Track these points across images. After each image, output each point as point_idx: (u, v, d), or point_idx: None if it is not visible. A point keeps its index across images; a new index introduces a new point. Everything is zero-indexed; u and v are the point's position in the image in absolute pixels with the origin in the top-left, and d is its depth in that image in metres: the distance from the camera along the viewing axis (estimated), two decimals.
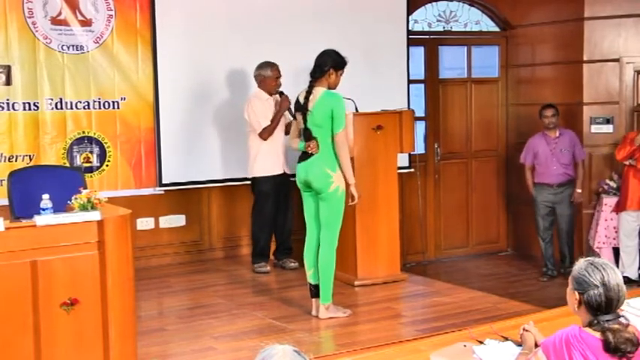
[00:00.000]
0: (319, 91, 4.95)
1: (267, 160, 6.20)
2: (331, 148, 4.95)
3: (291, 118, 6.20)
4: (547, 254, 7.26)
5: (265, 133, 6.13)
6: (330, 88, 5.00)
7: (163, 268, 6.48)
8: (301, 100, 5.02)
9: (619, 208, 6.84)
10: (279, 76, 6.24)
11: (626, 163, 6.74)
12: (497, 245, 8.39)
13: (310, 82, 5.00)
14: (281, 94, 6.22)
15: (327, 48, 5.08)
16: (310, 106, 4.94)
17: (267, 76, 6.21)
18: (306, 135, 4.97)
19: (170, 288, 5.99)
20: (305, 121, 4.97)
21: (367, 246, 5.94)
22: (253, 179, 6.29)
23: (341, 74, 5.06)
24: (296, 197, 6.03)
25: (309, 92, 4.97)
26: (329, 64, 4.97)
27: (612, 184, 7.21)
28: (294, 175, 6.13)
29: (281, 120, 6.23)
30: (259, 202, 6.31)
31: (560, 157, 7.05)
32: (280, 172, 6.27)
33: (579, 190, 7.09)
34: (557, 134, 7.08)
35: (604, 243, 7.06)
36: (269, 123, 6.14)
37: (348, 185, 5.04)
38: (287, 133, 6.25)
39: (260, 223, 6.33)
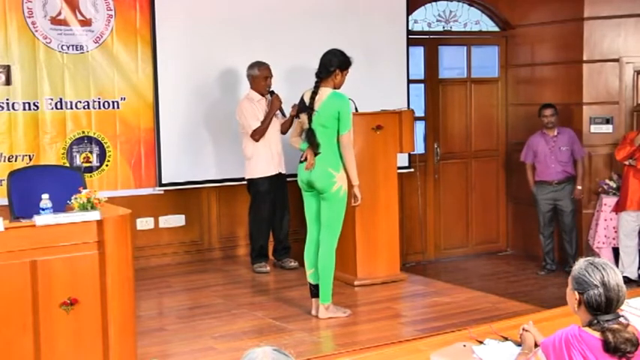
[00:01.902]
0: (326, 91, 4.93)
1: (263, 160, 6.17)
2: (336, 149, 4.93)
3: (286, 117, 6.21)
4: (547, 249, 7.35)
5: (256, 135, 6.09)
6: (335, 87, 4.97)
7: (163, 268, 6.48)
8: (306, 100, 4.99)
9: (619, 208, 6.85)
10: (268, 75, 6.18)
11: (626, 163, 6.75)
12: (497, 245, 8.40)
13: (316, 82, 4.98)
14: (271, 93, 6.18)
15: (329, 48, 5.06)
16: (316, 106, 4.91)
17: (255, 75, 6.16)
18: (309, 135, 4.95)
19: (170, 288, 5.98)
20: (310, 120, 4.95)
21: (367, 246, 5.94)
22: (250, 180, 6.28)
23: (346, 74, 5.04)
24: (294, 197, 6.04)
25: (314, 92, 4.95)
26: (335, 64, 4.95)
27: (612, 184, 7.22)
28: (290, 175, 6.17)
29: (274, 120, 6.19)
30: (256, 203, 6.30)
31: (559, 155, 7.14)
32: (276, 172, 6.24)
33: (579, 187, 7.20)
34: (556, 133, 7.20)
35: (604, 243, 7.08)
36: (259, 124, 6.12)
37: (350, 186, 5.03)
38: (284, 132, 6.25)
39: (257, 223, 6.32)
